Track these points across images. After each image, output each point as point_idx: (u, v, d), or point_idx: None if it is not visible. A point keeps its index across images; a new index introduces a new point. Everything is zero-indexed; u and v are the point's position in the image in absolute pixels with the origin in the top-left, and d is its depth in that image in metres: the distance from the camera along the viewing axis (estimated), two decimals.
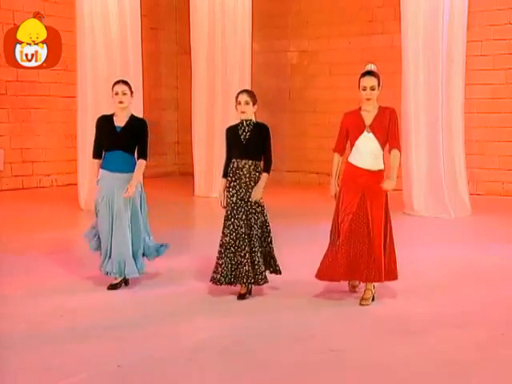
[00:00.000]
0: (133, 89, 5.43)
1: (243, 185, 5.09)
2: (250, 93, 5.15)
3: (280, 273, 5.30)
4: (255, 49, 11.43)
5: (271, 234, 5.23)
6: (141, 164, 5.37)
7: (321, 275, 5.15)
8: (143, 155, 5.41)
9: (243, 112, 5.05)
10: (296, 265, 5.93)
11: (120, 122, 5.37)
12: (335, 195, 5.15)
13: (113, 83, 5.41)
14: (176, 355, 4.10)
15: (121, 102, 5.33)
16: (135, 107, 9.54)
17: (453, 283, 5.82)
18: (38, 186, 11.43)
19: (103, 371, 3.90)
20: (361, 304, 5.06)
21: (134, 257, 5.44)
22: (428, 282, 5.84)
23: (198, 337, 4.42)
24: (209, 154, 10.80)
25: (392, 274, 5.15)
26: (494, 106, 10.77)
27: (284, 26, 12.55)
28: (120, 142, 5.31)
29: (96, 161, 5.46)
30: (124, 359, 4.02)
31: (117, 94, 5.34)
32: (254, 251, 5.10)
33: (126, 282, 5.55)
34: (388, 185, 4.98)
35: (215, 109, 10.80)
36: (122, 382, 3.80)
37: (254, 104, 5.08)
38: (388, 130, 5.00)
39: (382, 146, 5.02)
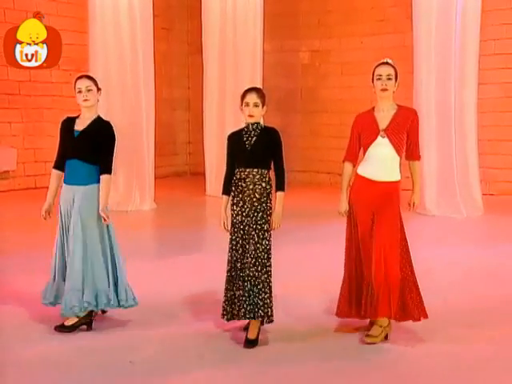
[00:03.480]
0: (99, 85, 4.59)
1: (247, 199, 4.29)
2: (259, 92, 4.35)
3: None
4: (266, 49, 11.41)
5: (268, 276, 4.28)
6: (104, 181, 4.48)
7: (341, 314, 4.50)
8: (105, 168, 4.50)
9: (251, 115, 4.28)
10: (304, 267, 5.92)
11: (81, 125, 4.55)
12: (345, 212, 4.45)
13: (74, 80, 4.59)
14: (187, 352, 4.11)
15: (85, 100, 4.48)
16: (147, 107, 9.65)
17: (465, 282, 5.81)
18: None
19: (115, 367, 3.92)
20: (365, 342, 4.28)
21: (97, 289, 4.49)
22: (440, 280, 5.82)
23: (208, 334, 4.44)
24: (220, 154, 10.77)
25: (414, 312, 4.37)
26: (507, 105, 10.70)
27: (295, 25, 12.53)
28: (76, 148, 4.50)
29: (55, 172, 4.66)
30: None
31: (80, 91, 4.49)
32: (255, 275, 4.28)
33: (88, 323, 4.53)
34: (416, 199, 4.47)
35: (226, 109, 10.81)
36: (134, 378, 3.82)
37: (263, 105, 4.32)
38: (408, 137, 4.36)
39: (399, 153, 4.35)
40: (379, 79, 4.32)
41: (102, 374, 3.86)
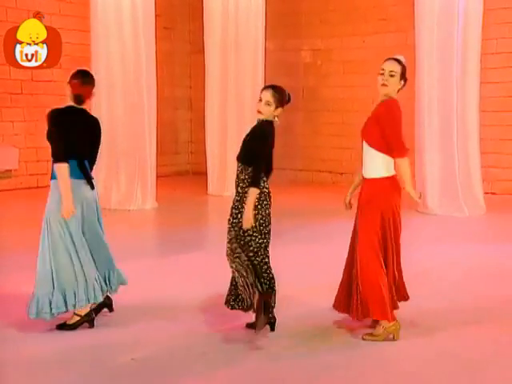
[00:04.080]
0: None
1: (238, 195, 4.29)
2: (275, 91, 4.24)
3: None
4: (268, 47, 11.42)
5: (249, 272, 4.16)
6: (57, 171, 4.22)
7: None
8: (54, 158, 4.23)
9: (259, 112, 4.24)
10: (305, 266, 5.92)
11: None
12: (347, 204, 4.48)
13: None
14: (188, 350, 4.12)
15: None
16: (149, 106, 9.64)
17: (467, 281, 5.81)
18: None
19: (117, 365, 3.92)
20: (363, 338, 4.30)
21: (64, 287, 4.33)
22: (442, 279, 5.82)
23: (210, 332, 4.45)
24: (222, 153, 10.81)
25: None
26: (509, 104, 10.68)
27: (297, 24, 12.54)
28: None
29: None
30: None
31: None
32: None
33: (90, 321, 4.48)
34: (409, 190, 4.27)
35: (228, 108, 10.82)
36: (135, 376, 3.82)
37: (276, 106, 4.22)
38: (382, 135, 4.17)
39: (372, 146, 4.21)
40: (381, 74, 4.23)
41: (104, 372, 3.86)
